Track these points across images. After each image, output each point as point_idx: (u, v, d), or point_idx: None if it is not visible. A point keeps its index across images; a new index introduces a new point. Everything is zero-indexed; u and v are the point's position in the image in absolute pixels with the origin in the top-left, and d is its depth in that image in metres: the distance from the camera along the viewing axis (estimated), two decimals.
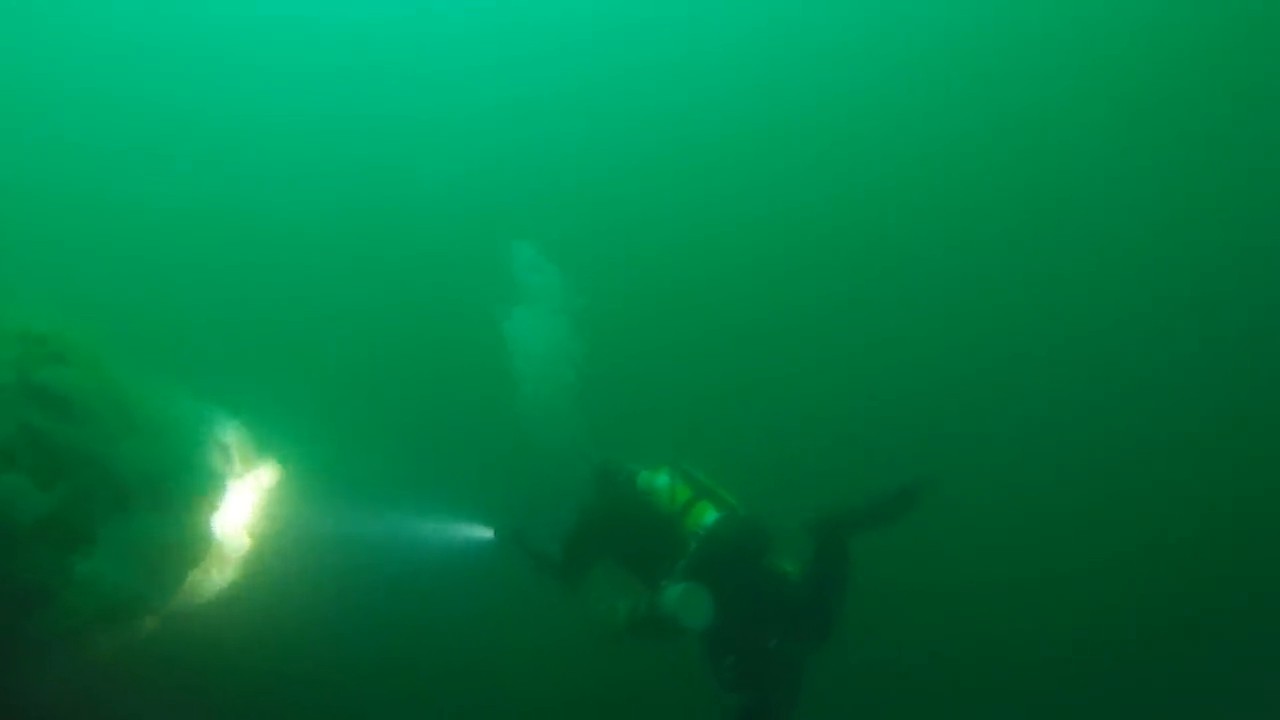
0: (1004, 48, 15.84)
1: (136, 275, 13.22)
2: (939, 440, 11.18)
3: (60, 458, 4.84)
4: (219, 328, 12.05)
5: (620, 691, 7.89)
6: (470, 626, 8.33)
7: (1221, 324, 13.28)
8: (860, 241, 15.03)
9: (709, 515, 4.41)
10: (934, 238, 14.96)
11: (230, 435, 6.52)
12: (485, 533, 5.53)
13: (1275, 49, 14.14)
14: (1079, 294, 14.20)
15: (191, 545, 5.40)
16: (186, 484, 5.44)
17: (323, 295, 14.25)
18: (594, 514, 4.91)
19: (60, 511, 4.71)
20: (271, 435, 6.57)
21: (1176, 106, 14.87)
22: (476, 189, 15.21)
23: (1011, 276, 14.43)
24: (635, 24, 17.02)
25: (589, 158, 16.31)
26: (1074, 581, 10.33)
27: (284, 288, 14.25)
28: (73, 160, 14.79)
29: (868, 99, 16.50)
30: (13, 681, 4.75)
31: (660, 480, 4.65)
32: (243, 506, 6.07)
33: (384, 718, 8.03)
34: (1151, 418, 12.37)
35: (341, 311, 13.77)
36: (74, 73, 15.83)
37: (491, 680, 8.46)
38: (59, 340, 5.44)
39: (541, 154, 15.97)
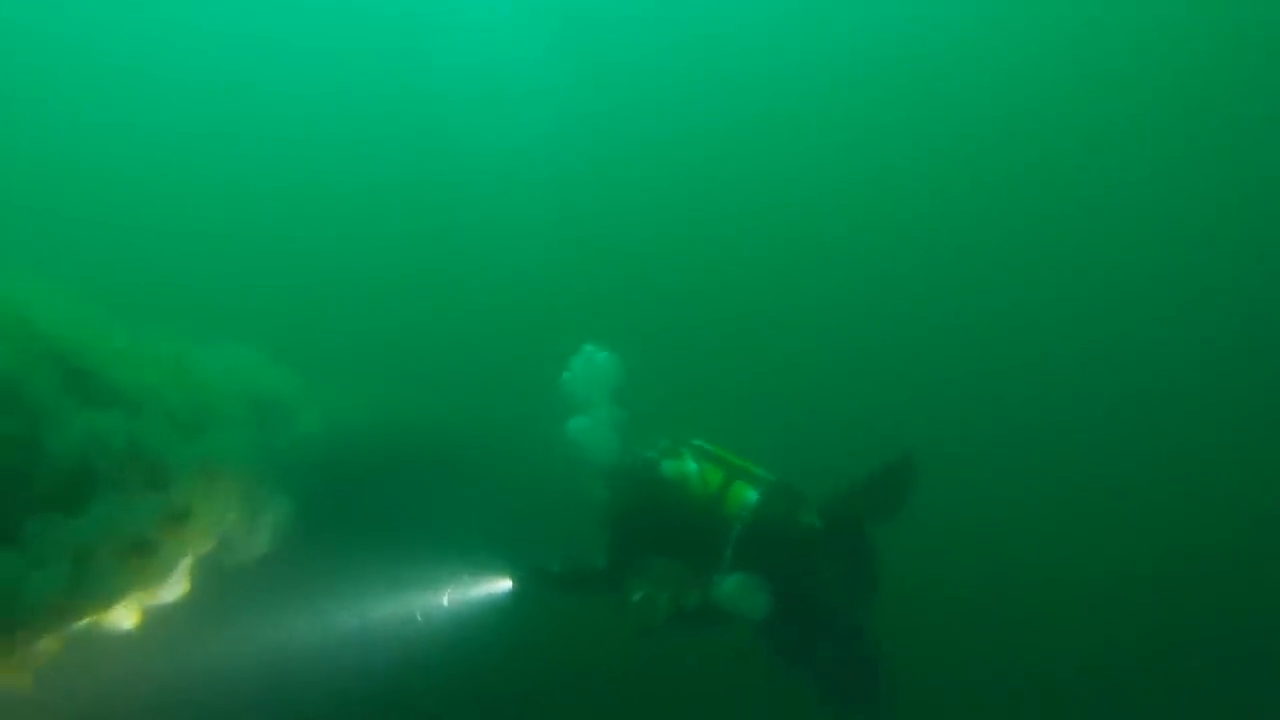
0: (1011, 45, 16.12)
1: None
2: (944, 436, 10.92)
3: None
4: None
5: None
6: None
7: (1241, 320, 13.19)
8: (876, 237, 15.10)
9: (749, 496, 4.30)
10: (956, 234, 14.96)
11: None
12: (504, 583, 5.05)
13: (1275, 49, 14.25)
14: (1101, 293, 14.15)
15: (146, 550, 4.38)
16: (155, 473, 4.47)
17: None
18: (623, 512, 4.65)
19: None
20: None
21: (1178, 106, 15.01)
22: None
23: (1026, 278, 14.43)
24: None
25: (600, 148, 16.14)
26: (1078, 586, 10.10)
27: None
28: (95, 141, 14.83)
29: (890, 95, 16.69)
30: None
31: (688, 467, 4.48)
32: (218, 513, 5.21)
33: None
34: (1166, 418, 12.19)
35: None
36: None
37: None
38: None
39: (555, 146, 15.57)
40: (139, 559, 4.64)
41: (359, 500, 7.39)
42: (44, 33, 15.64)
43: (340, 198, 15.53)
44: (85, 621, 4.50)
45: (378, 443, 8.22)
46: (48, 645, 4.59)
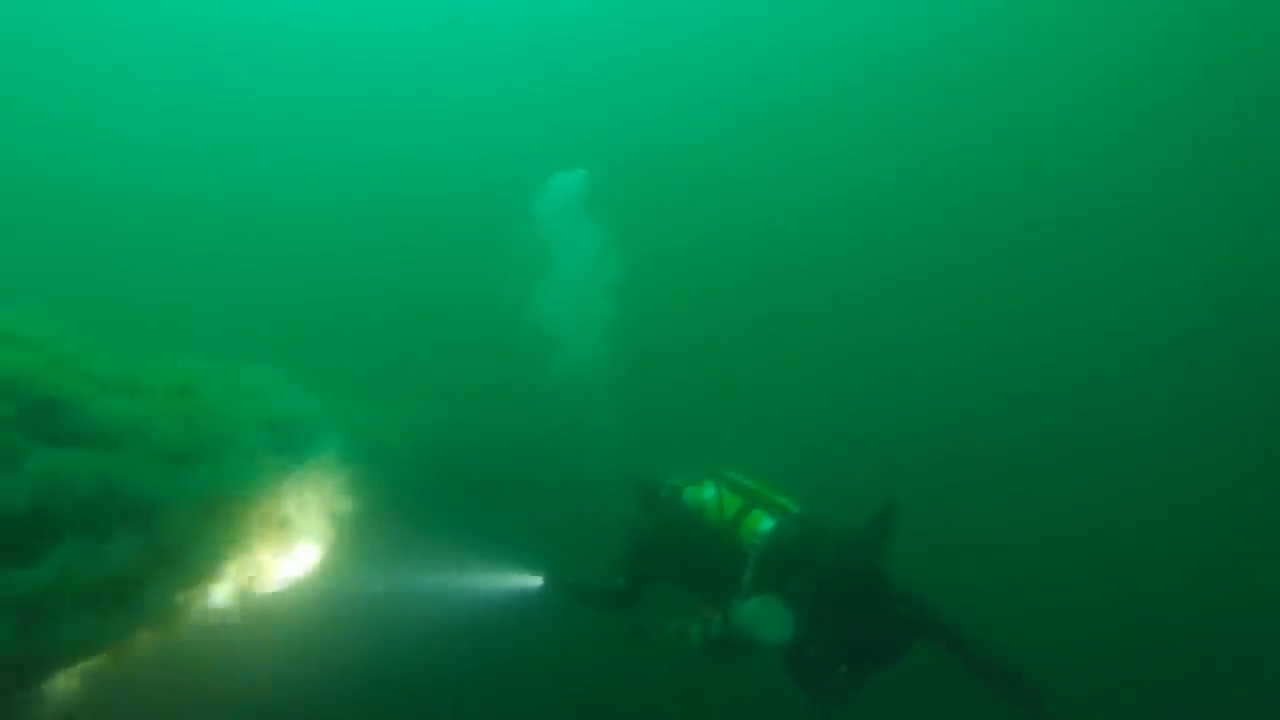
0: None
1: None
2: (951, 442, 11.06)
3: None
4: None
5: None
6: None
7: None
8: (889, 240, 15.11)
9: (764, 523, 4.24)
10: (961, 237, 14.95)
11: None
12: (533, 580, 5.34)
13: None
14: (1102, 293, 14.08)
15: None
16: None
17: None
18: (645, 536, 4.74)
19: None
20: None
21: (1180, 106, 15.12)
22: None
23: (1026, 279, 14.42)
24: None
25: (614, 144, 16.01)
26: (1077, 589, 9.98)
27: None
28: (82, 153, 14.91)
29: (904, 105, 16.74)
30: None
31: (707, 494, 4.48)
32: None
33: None
34: (1166, 420, 12.16)
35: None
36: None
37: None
38: None
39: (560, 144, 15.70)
40: (117, 602, 4.33)
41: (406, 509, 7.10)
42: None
43: (354, 209, 15.37)
44: None
45: (420, 456, 8.01)
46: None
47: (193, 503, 4.89)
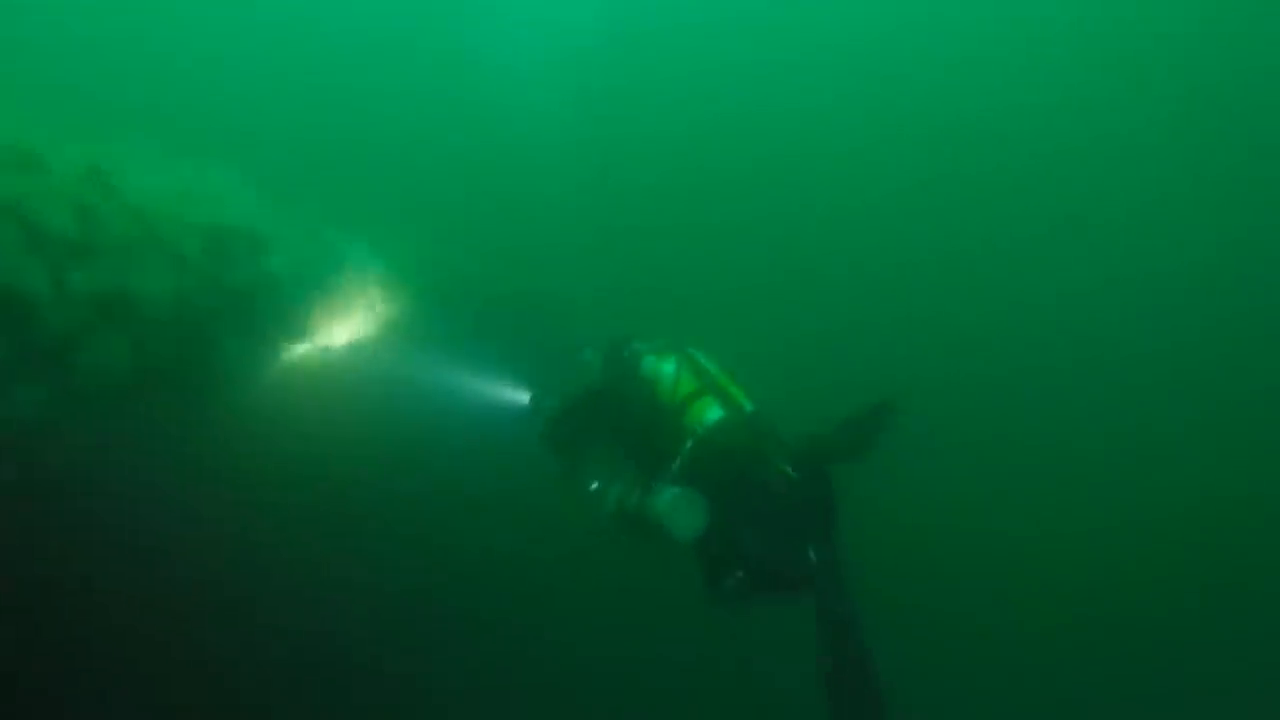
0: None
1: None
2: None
3: None
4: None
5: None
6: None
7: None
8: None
9: (712, 412, 4.03)
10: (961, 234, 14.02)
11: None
12: (522, 398, 5.41)
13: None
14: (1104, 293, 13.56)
15: None
16: None
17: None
18: (592, 387, 4.72)
19: None
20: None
21: (1182, 105, 14.85)
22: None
23: (1024, 279, 13.78)
24: None
25: None
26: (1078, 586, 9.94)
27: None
28: None
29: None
30: None
31: (666, 367, 4.29)
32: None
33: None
34: (1165, 417, 11.90)
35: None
36: None
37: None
38: None
39: None
40: None
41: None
42: None
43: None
44: None
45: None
46: None
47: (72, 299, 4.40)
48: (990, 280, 13.52)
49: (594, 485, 4.25)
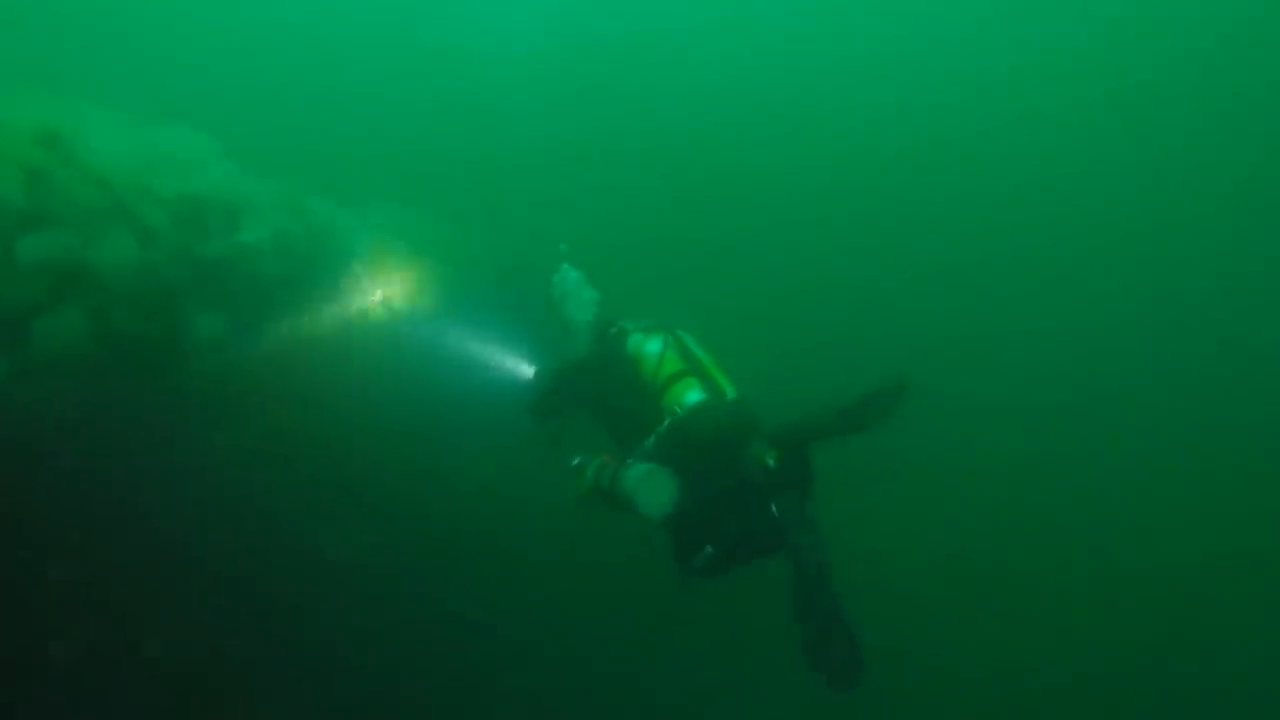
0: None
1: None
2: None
3: None
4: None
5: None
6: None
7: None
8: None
9: (693, 394, 4.00)
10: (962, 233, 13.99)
11: None
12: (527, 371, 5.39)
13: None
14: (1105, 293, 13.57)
15: None
16: None
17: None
18: (577, 359, 4.72)
19: None
20: None
21: (1182, 105, 14.97)
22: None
23: (1025, 278, 13.74)
24: None
25: None
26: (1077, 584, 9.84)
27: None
28: None
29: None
30: None
31: (650, 347, 4.25)
32: None
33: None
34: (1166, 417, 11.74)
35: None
36: None
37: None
38: None
39: None
40: None
41: None
42: None
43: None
44: None
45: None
46: None
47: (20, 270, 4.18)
48: (987, 278, 13.56)
49: (575, 460, 4.22)
